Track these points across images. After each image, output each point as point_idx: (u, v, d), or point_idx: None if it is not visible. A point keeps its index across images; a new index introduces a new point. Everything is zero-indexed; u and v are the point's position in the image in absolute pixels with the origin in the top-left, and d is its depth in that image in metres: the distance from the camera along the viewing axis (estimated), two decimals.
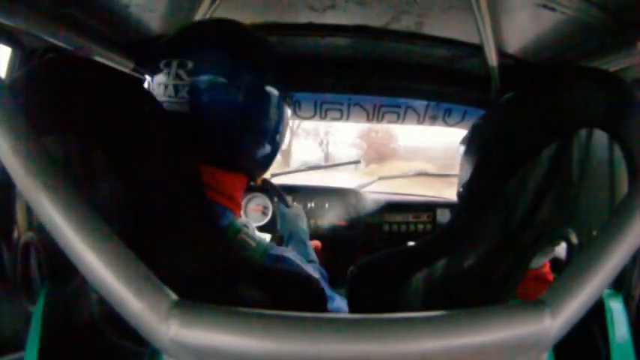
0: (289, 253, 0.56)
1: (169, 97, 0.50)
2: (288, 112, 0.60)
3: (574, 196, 0.41)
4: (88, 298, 0.37)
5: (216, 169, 0.54)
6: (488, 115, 0.52)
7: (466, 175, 0.48)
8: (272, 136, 0.57)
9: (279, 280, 0.52)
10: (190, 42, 0.53)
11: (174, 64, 0.50)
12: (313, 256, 0.88)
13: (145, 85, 0.55)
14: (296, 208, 0.93)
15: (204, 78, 0.50)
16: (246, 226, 0.55)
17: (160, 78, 0.51)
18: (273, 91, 0.55)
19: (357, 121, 1.33)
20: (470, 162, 0.48)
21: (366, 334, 0.24)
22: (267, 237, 1.12)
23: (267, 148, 0.58)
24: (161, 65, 0.51)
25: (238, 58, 0.52)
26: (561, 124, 0.41)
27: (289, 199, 1.16)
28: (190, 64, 0.49)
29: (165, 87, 0.50)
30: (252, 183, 0.70)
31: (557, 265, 0.53)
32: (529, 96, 0.45)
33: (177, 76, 0.50)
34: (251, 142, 0.55)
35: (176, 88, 0.50)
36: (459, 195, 0.52)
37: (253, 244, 0.53)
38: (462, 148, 0.52)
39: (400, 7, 0.80)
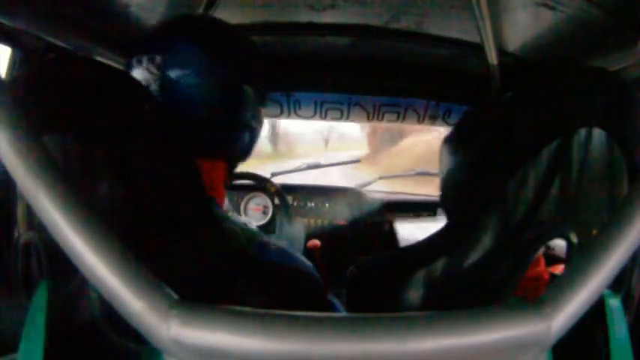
0: (279, 242, 0.56)
1: None
2: (262, 99, 0.61)
3: (574, 196, 0.41)
4: (88, 298, 0.37)
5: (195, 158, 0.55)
6: (476, 114, 0.52)
7: (453, 173, 0.48)
8: (246, 124, 0.58)
9: (280, 277, 0.52)
10: (158, 38, 0.55)
11: (145, 59, 0.52)
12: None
13: None
14: (297, 225, 0.94)
15: (171, 71, 0.51)
16: (243, 221, 0.55)
17: (135, 74, 0.53)
18: (243, 81, 0.56)
19: (357, 121, 1.33)
20: (461, 159, 0.48)
21: (366, 334, 0.24)
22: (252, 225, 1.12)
23: (244, 136, 0.59)
24: (134, 62, 0.53)
25: (203, 50, 0.53)
26: (561, 123, 0.41)
27: (289, 199, 1.16)
28: (159, 59, 0.51)
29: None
30: (252, 183, 0.70)
31: (553, 260, 0.53)
32: (529, 95, 0.45)
33: (148, 71, 0.52)
34: (225, 131, 0.56)
35: (147, 82, 0.52)
36: (456, 194, 0.52)
37: (238, 230, 0.53)
38: (446, 145, 0.51)
39: (400, 6, 0.80)
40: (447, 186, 0.52)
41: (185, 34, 0.54)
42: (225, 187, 0.61)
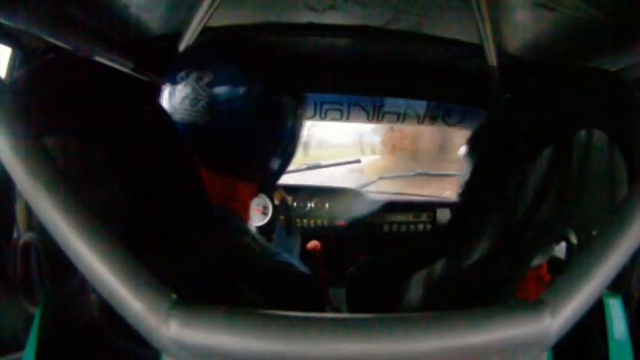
0: (294, 260, 0.57)
1: (186, 108, 0.52)
2: (303, 119, 0.61)
3: (574, 197, 0.41)
4: (88, 298, 0.37)
5: (229, 178, 0.55)
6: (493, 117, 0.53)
7: (467, 175, 0.48)
8: (286, 146, 0.58)
9: (279, 280, 0.52)
10: (209, 55, 0.54)
11: (193, 76, 0.51)
12: None
13: (165, 94, 0.56)
14: (295, 238, 0.95)
15: (221, 90, 0.51)
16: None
17: (179, 89, 0.52)
18: (289, 101, 0.56)
19: (357, 121, 1.33)
20: (471, 162, 0.48)
21: (366, 335, 0.24)
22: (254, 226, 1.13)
23: (280, 159, 0.59)
24: (178, 77, 0.52)
25: (254, 70, 0.53)
26: (561, 124, 0.41)
27: (289, 199, 1.17)
28: (208, 77, 0.51)
29: (184, 98, 0.52)
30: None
31: (556, 265, 0.53)
32: (529, 96, 0.45)
33: (196, 89, 0.51)
34: (265, 152, 0.56)
35: (194, 100, 0.51)
36: (460, 195, 0.52)
37: (258, 249, 0.53)
38: (465, 149, 0.52)
39: (400, 7, 0.80)
40: (459, 187, 0.52)
41: (232, 52, 0.54)
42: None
